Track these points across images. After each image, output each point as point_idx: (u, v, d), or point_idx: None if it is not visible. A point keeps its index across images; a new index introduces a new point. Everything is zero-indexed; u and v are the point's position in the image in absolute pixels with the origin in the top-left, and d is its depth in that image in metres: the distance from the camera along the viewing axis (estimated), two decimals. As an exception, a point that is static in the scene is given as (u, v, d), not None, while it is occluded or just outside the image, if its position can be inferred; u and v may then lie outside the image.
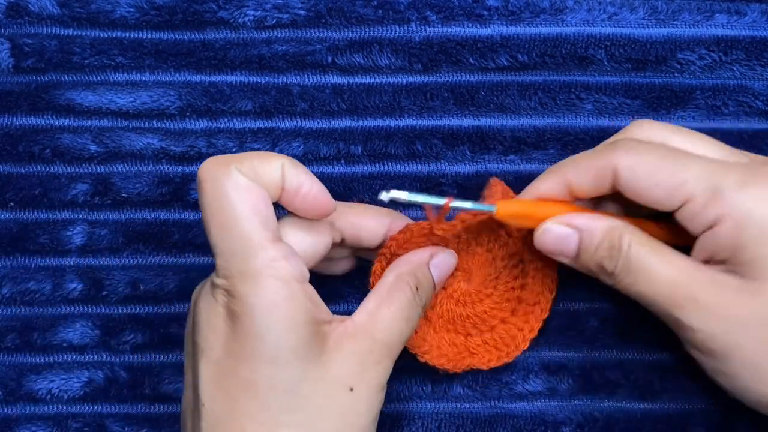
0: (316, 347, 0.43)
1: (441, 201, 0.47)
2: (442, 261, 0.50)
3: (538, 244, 0.48)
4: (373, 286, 0.48)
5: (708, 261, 0.45)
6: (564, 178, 0.48)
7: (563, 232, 0.47)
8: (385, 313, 0.46)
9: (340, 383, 0.44)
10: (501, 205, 0.48)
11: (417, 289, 0.47)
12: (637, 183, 0.46)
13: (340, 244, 0.50)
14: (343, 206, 0.49)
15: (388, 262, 0.50)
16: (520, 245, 0.51)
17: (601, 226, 0.46)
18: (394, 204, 0.46)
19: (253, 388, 0.42)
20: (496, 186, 0.50)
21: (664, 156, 0.45)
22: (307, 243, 0.47)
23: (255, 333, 0.42)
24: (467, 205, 0.48)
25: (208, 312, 0.44)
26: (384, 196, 0.46)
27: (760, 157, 0.47)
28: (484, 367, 0.52)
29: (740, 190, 0.43)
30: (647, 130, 0.48)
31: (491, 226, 0.51)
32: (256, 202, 0.43)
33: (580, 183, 0.47)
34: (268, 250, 0.43)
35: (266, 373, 0.42)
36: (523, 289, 0.53)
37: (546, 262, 0.51)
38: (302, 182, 0.45)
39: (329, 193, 0.46)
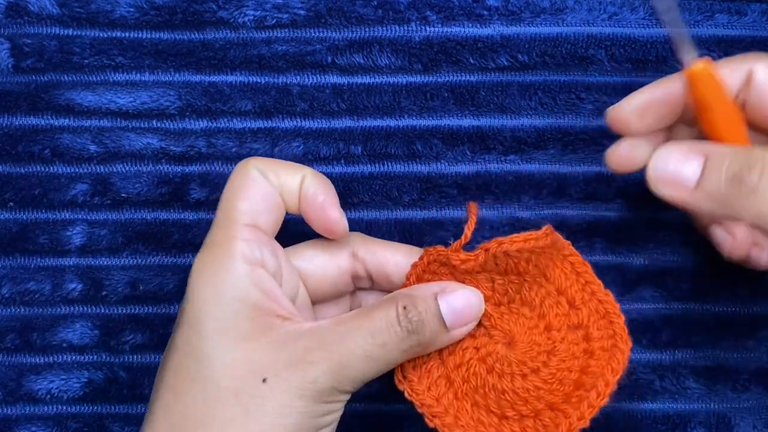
0: (246, 329, 0.42)
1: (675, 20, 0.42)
2: (458, 297, 0.45)
3: (654, 171, 0.44)
4: None
5: None
6: (679, 84, 0.45)
7: (687, 155, 0.43)
8: (352, 325, 0.43)
9: (254, 370, 0.41)
10: (703, 63, 0.43)
11: (406, 312, 0.43)
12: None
13: (369, 282, 0.49)
14: (371, 239, 0.48)
15: (417, 278, 0.46)
16: (586, 316, 0.46)
17: (727, 147, 0.43)
18: None
19: (175, 350, 0.43)
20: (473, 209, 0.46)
21: None
22: (318, 261, 0.47)
23: (187, 297, 0.43)
24: (683, 35, 0.42)
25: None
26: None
27: None
28: None
29: None
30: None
31: (545, 281, 0.46)
32: (254, 192, 0.45)
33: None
34: (232, 228, 0.44)
35: (186, 337, 0.43)
36: (583, 372, 0.45)
37: (617, 340, 0.45)
38: (316, 192, 0.46)
39: (340, 212, 0.46)
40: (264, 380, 0.41)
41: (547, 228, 0.45)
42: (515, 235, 0.45)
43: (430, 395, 0.45)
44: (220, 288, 0.43)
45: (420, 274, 0.46)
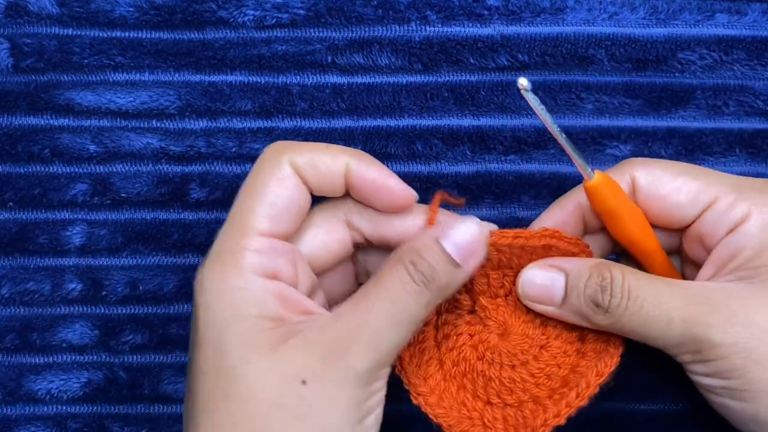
0: (271, 340, 0.41)
1: (553, 125, 0.42)
2: (460, 232, 0.43)
3: (522, 291, 0.45)
4: None
5: (717, 273, 0.44)
6: (577, 202, 0.46)
7: (549, 275, 0.45)
8: (370, 301, 0.42)
9: (290, 375, 0.41)
10: (601, 174, 0.44)
11: (415, 266, 0.42)
12: (657, 190, 0.45)
13: (368, 243, 0.47)
14: (362, 206, 0.47)
15: None
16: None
17: (588, 263, 0.44)
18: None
19: (201, 374, 0.41)
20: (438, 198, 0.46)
21: (682, 165, 0.46)
22: (318, 241, 0.46)
23: (201, 317, 0.42)
24: (572, 153, 0.43)
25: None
26: (523, 82, 0.40)
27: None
28: None
29: (761, 192, 0.44)
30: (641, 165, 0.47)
31: None
32: (280, 194, 0.43)
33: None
34: (244, 237, 0.42)
35: (211, 360, 0.41)
36: (573, 371, 0.46)
37: (609, 344, 0.45)
38: (373, 177, 0.44)
39: (403, 183, 0.45)
40: (303, 382, 0.40)
41: (548, 230, 0.45)
42: (506, 230, 0.45)
43: (419, 374, 0.45)
44: (238, 306, 0.41)
45: None
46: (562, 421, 0.44)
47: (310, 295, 0.45)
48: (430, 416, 0.45)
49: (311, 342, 0.41)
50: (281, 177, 0.43)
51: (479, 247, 0.43)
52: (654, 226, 0.46)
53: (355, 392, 0.41)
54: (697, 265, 0.46)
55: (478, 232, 0.43)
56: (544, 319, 0.46)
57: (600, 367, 0.45)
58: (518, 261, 0.46)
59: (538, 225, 0.47)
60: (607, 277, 0.43)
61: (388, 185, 0.45)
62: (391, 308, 0.41)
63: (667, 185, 0.45)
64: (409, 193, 0.45)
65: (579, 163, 0.43)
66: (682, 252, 0.48)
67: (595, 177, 0.43)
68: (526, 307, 0.46)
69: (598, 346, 0.46)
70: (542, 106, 0.41)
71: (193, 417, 0.42)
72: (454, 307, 0.47)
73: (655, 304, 0.42)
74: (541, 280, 0.44)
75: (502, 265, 0.46)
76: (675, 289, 0.43)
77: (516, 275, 0.46)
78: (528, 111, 0.56)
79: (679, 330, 0.42)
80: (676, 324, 0.42)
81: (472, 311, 0.47)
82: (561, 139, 0.42)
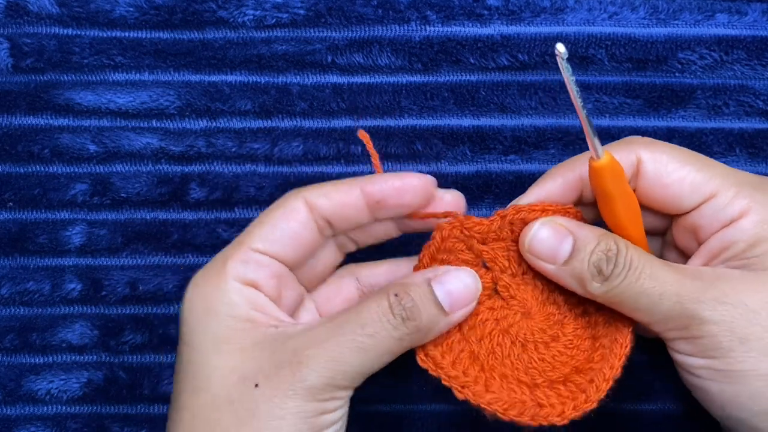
0: (237, 340, 0.43)
1: (579, 100, 0.42)
2: (453, 280, 0.45)
3: (528, 244, 0.45)
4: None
5: (706, 264, 0.45)
6: (578, 173, 0.46)
7: (558, 235, 0.45)
8: (342, 319, 0.43)
9: (246, 376, 0.42)
10: (609, 158, 0.44)
11: (398, 299, 0.43)
12: (661, 176, 0.45)
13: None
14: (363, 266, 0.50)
15: (431, 258, 0.46)
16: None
17: (596, 231, 0.45)
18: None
19: (177, 370, 0.44)
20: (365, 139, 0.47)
21: (685, 153, 0.46)
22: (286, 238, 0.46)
23: (182, 317, 0.44)
24: (591, 130, 0.43)
25: None
26: (561, 47, 0.41)
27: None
28: (561, 422, 0.44)
29: (760, 190, 0.44)
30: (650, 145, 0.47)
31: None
32: (283, 222, 0.45)
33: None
34: (233, 249, 0.45)
35: (184, 354, 0.44)
36: (594, 338, 0.47)
37: (615, 317, 0.46)
38: (397, 185, 0.46)
39: (417, 174, 0.46)
40: (256, 385, 0.41)
41: (574, 209, 0.46)
42: (534, 203, 0.46)
43: (457, 368, 0.45)
44: (212, 304, 0.43)
45: (434, 254, 0.46)
46: (618, 372, 0.45)
47: (295, 308, 0.47)
48: (483, 406, 0.44)
49: (272, 348, 0.42)
50: (290, 209, 0.45)
51: (470, 300, 0.45)
52: (648, 208, 0.47)
53: (304, 405, 0.41)
54: (681, 252, 0.48)
55: (473, 285, 0.45)
56: (553, 297, 0.47)
57: (618, 336, 0.46)
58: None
59: (537, 191, 0.47)
60: (613, 248, 0.43)
61: (412, 184, 0.46)
62: (359, 332, 0.42)
63: (672, 174, 0.45)
64: (430, 179, 0.47)
65: (593, 141, 0.43)
66: (667, 236, 0.49)
67: (604, 158, 0.43)
68: (537, 283, 0.47)
69: (613, 317, 0.46)
70: (573, 77, 0.42)
71: (171, 411, 0.44)
72: None
73: (652, 277, 0.43)
74: (549, 237, 0.45)
75: (516, 240, 0.46)
76: (670, 267, 0.44)
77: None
78: (528, 111, 0.56)
79: (670, 304, 0.43)
80: (667, 298, 0.43)
81: (490, 296, 0.47)
82: (583, 113, 0.42)
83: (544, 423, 0.44)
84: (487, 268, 0.47)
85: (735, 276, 0.43)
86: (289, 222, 0.45)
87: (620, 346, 0.45)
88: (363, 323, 0.42)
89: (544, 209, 0.46)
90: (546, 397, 0.45)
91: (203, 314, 0.43)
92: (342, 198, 0.46)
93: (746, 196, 0.44)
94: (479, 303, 0.46)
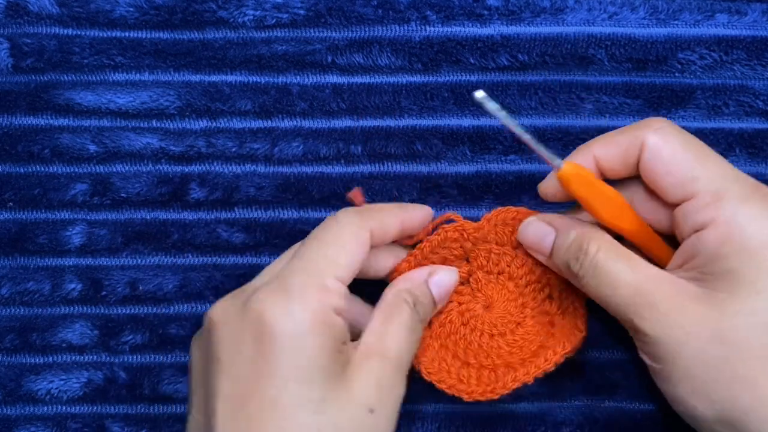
0: (340, 370, 0.44)
1: (515, 126, 0.45)
2: (441, 278, 0.50)
3: (520, 236, 0.50)
4: (391, 281, 0.50)
5: (682, 265, 0.45)
6: (592, 155, 0.48)
7: (544, 229, 0.49)
8: (391, 330, 0.46)
9: (362, 405, 0.44)
10: (570, 164, 0.46)
11: (415, 305, 0.48)
12: (655, 165, 0.46)
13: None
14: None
15: (417, 264, 0.51)
16: (556, 309, 0.51)
17: (575, 227, 0.47)
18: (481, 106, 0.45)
19: (278, 407, 0.42)
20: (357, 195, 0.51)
21: (689, 145, 0.45)
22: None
23: (286, 353, 0.42)
24: (538, 147, 0.45)
25: (237, 330, 0.44)
26: (479, 93, 0.44)
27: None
28: (466, 398, 0.50)
29: (741, 202, 0.43)
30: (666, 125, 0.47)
31: (534, 264, 0.52)
32: (358, 253, 0.47)
33: (608, 159, 0.47)
34: (325, 279, 0.45)
35: (293, 391, 0.42)
36: (542, 346, 0.51)
37: (575, 328, 0.50)
38: (419, 217, 0.51)
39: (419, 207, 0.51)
40: (371, 411, 0.44)
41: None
42: (513, 207, 0.51)
43: (426, 357, 0.50)
44: (324, 341, 0.43)
45: (434, 247, 0.51)
46: (530, 379, 0.49)
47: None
48: (414, 365, 0.49)
49: (366, 371, 0.44)
50: (362, 241, 0.47)
51: (450, 292, 0.51)
52: (657, 198, 0.47)
53: (397, 416, 0.46)
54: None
55: (455, 280, 0.51)
56: (524, 302, 0.51)
57: (566, 343, 0.49)
58: (516, 239, 0.51)
59: (586, 151, 0.48)
60: (583, 249, 0.46)
61: (425, 217, 0.51)
62: (410, 341, 0.47)
63: (662, 165, 0.45)
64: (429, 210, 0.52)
65: (546, 156, 0.46)
66: None
67: (564, 167, 0.46)
68: (510, 287, 0.52)
69: (565, 330, 0.50)
70: (502, 111, 0.44)
71: None
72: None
73: (609, 286, 0.45)
74: (534, 231, 0.49)
75: (503, 242, 0.52)
76: (630, 277, 0.45)
77: (514, 256, 0.51)
78: (528, 111, 0.56)
79: (622, 312, 0.45)
80: (621, 307, 0.45)
81: (462, 283, 0.52)
82: (525, 137, 0.45)
83: (464, 396, 0.50)
84: (468, 262, 0.52)
85: (690, 293, 0.44)
86: (363, 253, 0.47)
87: (544, 360, 0.49)
88: (411, 331, 0.47)
89: (523, 213, 0.51)
90: (468, 377, 0.50)
91: (317, 351, 0.43)
92: (388, 229, 0.49)
93: (719, 207, 0.44)
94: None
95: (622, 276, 0.45)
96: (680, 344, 0.43)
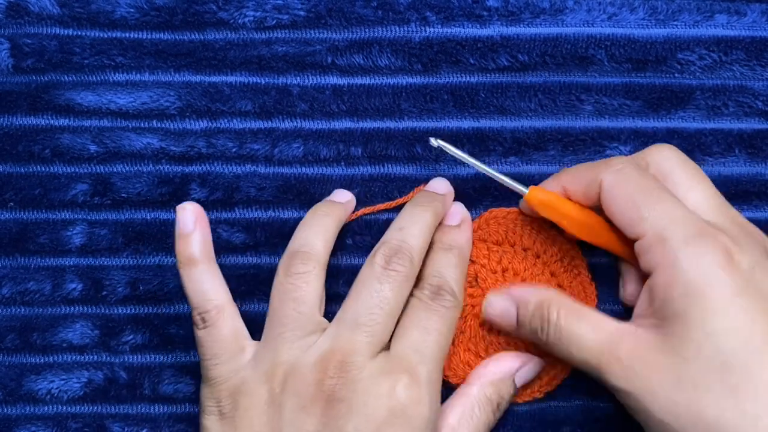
0: None
1: (480, 165, 0.51)
2: (528, 372, 0.51)
3: (486, 313, 0.51)
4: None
5: (646, 309, 0.46)
6: (561, 186, 0.50)
7: (505, 304, 0.50)
8: (464, 429, 0.49)
9: None
10: (533, 190, 0.50)
11: (498, 405, 0.50)
12: (609, 204, 0.48)
13: None
14: None
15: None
16: (566, 282, 0.53)
17: (533, 297, 0.49)
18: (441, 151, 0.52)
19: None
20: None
21: (641, 188, 0.47)
22: None
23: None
24: (503, 178, 0.51)
25: (372, 399, 0.46)
26: (433, 142, 0.51)
27: (740, 219, 0.48)
28: None
29: (684, 244, 0.44)
30: (657, 154, 0.49)
31: (532, 255, 0.54)
32: None
33: (574, 191, 0.50)
34: None
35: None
36: None
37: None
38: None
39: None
40: None
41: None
42: (504, 208, 0.55)
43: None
44: None
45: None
46: (567, 374, 0.53)
47: None
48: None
49: None
50: None
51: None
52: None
53: None
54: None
55: (538, 371, 0.53)
56: None
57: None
58: (512, 237, 0.54)
59: (554, 183, 0.52)
60: (545, 318, 0.48)
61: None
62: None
63: (614, 205, 0.48)
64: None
65: (512, 186, 0.51)
66: None
67: (528, 193, 0.50)
68: (517, 282, 0.53)
69: None
70: (460, 152, 0.51)
71: None
72: None
73: (575, 347, 0.47)
74: (498, 307, 0.51)
75: (499, 242, 0.54)
76: (593, 336, 0.46)
77: (513, 253, 0.53)
78: (528, 113, 0.56)
79: (592, 370, 0.46)
80: (590, 366, 0.46)
81: (471, 285, 0.53)
82: (490, 171, 0.51)
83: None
84: (472, 262, 0.54)
85: (649, 343, 0.45)
86: None
87: (561, 369, 0.53)
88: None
89: (513, 213, 0.54)
90: None
91: None
92: None
93: (663, 250, 0.45)
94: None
95: (585, 337, 0.46)
96: (649, 394, 0.44)
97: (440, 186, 0.54)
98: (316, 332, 0.48)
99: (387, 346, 0.47)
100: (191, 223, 0.50)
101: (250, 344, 0.49)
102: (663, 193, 0.47)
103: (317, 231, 0.51)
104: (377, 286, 0.47)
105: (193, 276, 0.49)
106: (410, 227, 0.50)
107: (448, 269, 0.50)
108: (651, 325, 0.45)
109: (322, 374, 0.45)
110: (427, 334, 0.47)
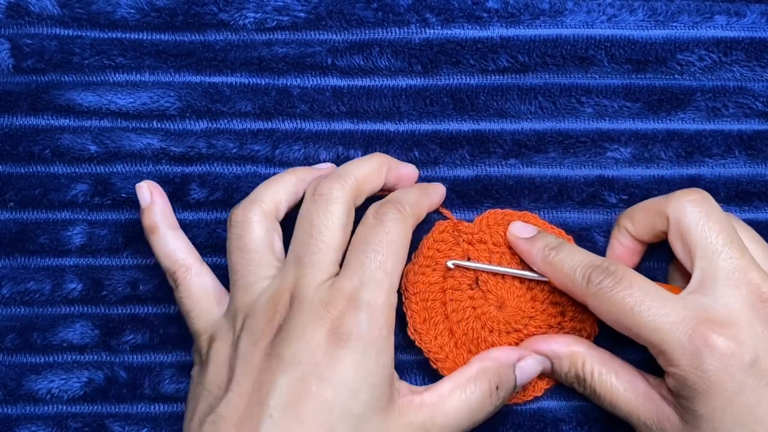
0: (385, 402, 0.46)
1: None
2: (529, 365, 0.51)
3: (519, 374, 0.51)
4: (403, 290, 0.53)
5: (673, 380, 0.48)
6: (624, 229, 0.53)
7: (536, 368, 0.51)
8: (455, 401, 0.48)
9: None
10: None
11: (497, 388, 0.49)
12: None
13: None
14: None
15: (422, 267, 0.53)
16: (567, 298, 0.53)
17: (565, 354, 0.51)
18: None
19: (328, 411, 0.44)
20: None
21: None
22: None
23: (350, 368, 0.45)
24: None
25: (311, 329, 0.46)
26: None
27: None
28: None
29: (682, 347, 0.46)
30: (682, 206, 0.50)
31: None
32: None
33: (640, 235, 0.52)
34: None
35: (345, 401, 0.45)
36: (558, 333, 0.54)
37: (585, 324, 0.54)
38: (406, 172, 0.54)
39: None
40: None
41: (527, 214, 0.55)
42: (501, 210, 0.55)
43: (435, 343, 0.53)
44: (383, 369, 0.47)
45: (431, 244, 0.54)
46: (538, 393, 0.54)
47: None
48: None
49: (407, 421, 0.47)
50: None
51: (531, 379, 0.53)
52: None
53: None
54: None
55: (540, 368, 0.53)
56: (534, 296, 0.53)
57: (581, 331, 0.54)
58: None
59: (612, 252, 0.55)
60: (580, 375, 0.51)
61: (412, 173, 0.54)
62: (467, 419, 0.49)
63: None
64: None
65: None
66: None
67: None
68: (517, 284, 0.53)
69: (576, 325, 0.53)
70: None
71: None
72: (458, 284, 0.53)
73: (609, 402, 0.50)
74: (531, 371, 0.51)
75: (499, 243, 0.54)
76: (624, 396, 0.50)
77: (513, 255, 0.54)
78: (528, 115, 0.56)
79: (624, 419, 0.50)
80: (621, 416, 0.50)
81: (472, 288, 0.54)
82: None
83: None
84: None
85: (670, 419, 0.48)
86: None
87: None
88: (474, 411, 0.49)
89: (511, 215, 0.54)
90: None
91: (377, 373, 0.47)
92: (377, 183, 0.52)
93: (668, 354, 0.46)
94: (462, 291, 0.53)
95: (618, 395, 0.50)
96: None
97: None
98: (270, 276, 0.49)
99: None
100: (148, 196, 0.53)
101: (226, 297, 0.51)
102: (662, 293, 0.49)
103: (269, 184, 0.52)
104: (306, 216, 0.49)
105: (158, 241, 0.52)
106: (350, 163, 0.51)
107: (403, 193, 0.51)
108: (674, 405, 0.47)
109: (272, 311, 0.47)
110: (365, 256, 0.47)
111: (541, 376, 0.52)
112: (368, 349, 0.45)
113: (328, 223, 0.48)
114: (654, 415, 0.48)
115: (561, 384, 0.53)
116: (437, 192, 0.54)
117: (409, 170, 0.54)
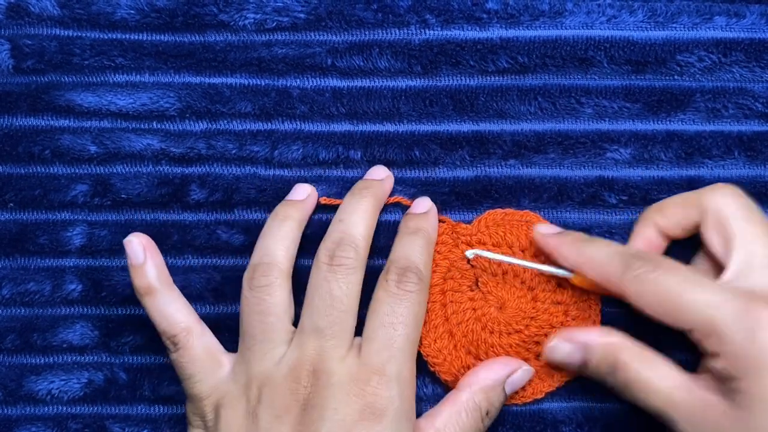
0: None
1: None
2: (518, 378, 0.51)
3: (546, 358, 0.51)
4: None
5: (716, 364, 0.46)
6: (653, 224, 0.52)
7: (569, 349, 0.50)
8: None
9: None
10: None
11: (487, 413, 0.49)
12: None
13: None
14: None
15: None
16: (569, 296, 0.53)
17: (600, 343, 0.49)
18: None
19: None
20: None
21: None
22: None
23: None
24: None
25: (343, 406, 0.47)
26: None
27: None
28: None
29: (735, 323, 0.45)
30: (720, 198, 0.50)
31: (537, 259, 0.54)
32: None
33: (669, 228, 0.51)
34: None
35: None
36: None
37: (587, 324, 0.53)
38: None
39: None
40: None
41: (528, 213, 0.55)
42: (501, 210, 0.55)
43: (434, 347, 0.53)
44: None
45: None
46: (540, 395, 0.53)
47: None
48: (442, 378, 0.53)
49: None
50: None
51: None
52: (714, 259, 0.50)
53: None
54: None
55: (528, 377, 0.53)
56: (535, 296, 0.53)
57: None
58: (510, 239, 0.54)
59: (636, 242, 0.53)
60: (615, 364, 0.48)
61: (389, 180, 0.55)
62: None
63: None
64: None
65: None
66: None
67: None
68: (517, 284, 0.53)
69: (578, 323, 0.53)
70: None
71: None
72: (458, 286, 0.54)
73: (642, 393, 0.47)
74: (564, 352, 0.50)
75: (498, 243, 0.54)
76: (658, 386, 0.47)
77: (510, 255, 0.54)
78: (528, 116, 0.56)
79: (656, 414, 0.47)
80: (654, 410, 0.47)
81: (472, 289, 0.54)
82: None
83: None
84: (472, 266, 0.54)
85: (711, 404, 0.46)
86: None
87: (562, 374, 0.53)
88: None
89: (511, 214, 0.55)
90: None
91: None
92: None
93: (716, 335, 0.45)
94: (462, 293, 0.54)
95: (654, 386, 0.47)
96: None
97: (377, 172, 0.55)
98: (285, 341, 0.49)
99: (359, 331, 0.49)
100: (141, 253, 0.51)
101: (227, 357, 0.51)
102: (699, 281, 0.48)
103: (277, 239, 0.51)
104: (326, 286, 0.49)
105: (154, 304, 0.51)
106: (350, 216, 0.51)
107: (414, 251, 0.51)
108: (718, 389, 0.46)
109: (295, 384, 0.47)
110: (394, 329, 0.48)
111: (545, 377, 0.52)
112: (401, 418, 0.46)
113: (349, 293, 0.49)
114: (695, 407, 0.46)
115: (562, 387, 0.53)
116: (436, 231, 0.54)
117: (390, 180, 0.55)
